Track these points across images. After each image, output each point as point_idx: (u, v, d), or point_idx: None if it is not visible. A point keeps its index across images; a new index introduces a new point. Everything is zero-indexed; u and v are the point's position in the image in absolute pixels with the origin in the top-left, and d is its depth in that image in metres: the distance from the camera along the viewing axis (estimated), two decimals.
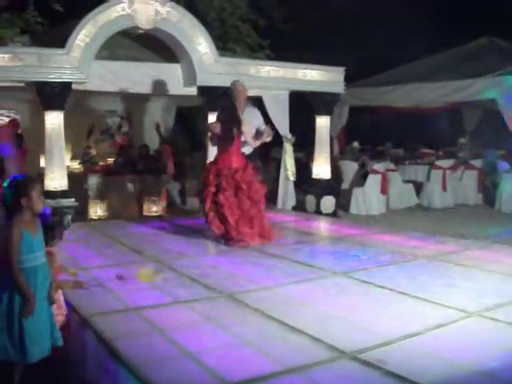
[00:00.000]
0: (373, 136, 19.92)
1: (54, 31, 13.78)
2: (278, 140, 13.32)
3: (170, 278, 7.56)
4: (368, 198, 14.77)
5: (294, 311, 6.42)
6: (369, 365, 4.98)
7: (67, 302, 6.16)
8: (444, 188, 15.82)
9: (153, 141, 16.42)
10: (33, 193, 5.10)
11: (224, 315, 6.18)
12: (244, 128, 9.69)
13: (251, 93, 13.40)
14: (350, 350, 5.28)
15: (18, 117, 14.57)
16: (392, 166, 16.13)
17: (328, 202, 13.99)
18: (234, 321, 6.14)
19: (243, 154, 10.02)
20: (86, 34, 11.01)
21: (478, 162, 16.71)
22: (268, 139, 9.93)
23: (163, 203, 13.32)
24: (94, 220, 12.48)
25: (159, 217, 12.82)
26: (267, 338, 5.66)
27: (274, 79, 13.49)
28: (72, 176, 12.37)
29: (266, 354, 5.26)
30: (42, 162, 12.49)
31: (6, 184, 5.13)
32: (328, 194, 14.06)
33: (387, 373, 4.83)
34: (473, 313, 6.32)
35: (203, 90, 12.65)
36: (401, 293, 7.07)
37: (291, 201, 14.54)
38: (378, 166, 15.24)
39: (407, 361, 5.08)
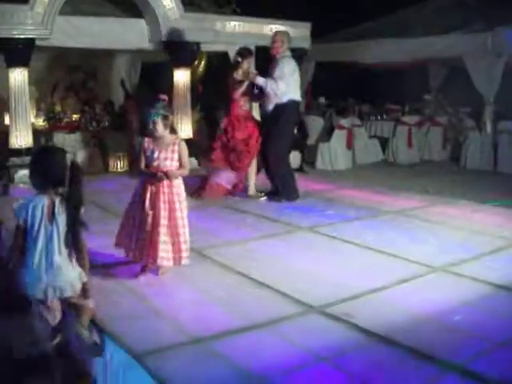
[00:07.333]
0: (339, 92, 19.87)
1: None
2: None
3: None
4: (334, 154, 14.78)
5: (261, 266, 6.48)
6: (335, 319, 5.06)
7: None
8: (409, 144, 15.88)
9: (118, 97, 16.27)
10: None
11: (191, 271, 6.21)
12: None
13: (217, 48, 13.34)
14: (317, 304, 5.36)
15: None
16: (358, 121, 16.15)
17: (294, 158, 13.97)
18: (202, 276, 6.19)
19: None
20: None
21: (443, 119, 16.78)
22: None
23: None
24: None
25: (125, 173, 12.74)
26: (234, 294, 5.71)
27: (240, 34, 13.41)
28: (37, 133, 12.25)
29: (233, 309, 5.32)
30: (7, 120, 12.34)
31: None
32: (294, 149, 14.05)
33: (353, 326, 4.91)
34: (437, 268, 6.42)
35: (168, 46, 12.53)
36: (367, 248, 7.15)
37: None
38: (344, 122, 15.25)
39: (373, 315, 5.17)
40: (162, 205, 5.94)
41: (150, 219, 5.96)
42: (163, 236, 5.92)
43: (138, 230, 6.05)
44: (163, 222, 5.94)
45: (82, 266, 4.69)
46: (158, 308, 5.34)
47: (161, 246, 5.90)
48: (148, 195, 5.98)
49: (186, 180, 6.27)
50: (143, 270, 6.17)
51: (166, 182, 5.97)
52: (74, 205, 4.52)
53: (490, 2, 15.82)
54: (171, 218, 5.99)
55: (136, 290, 5.80)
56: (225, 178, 10.05)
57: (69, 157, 4.68)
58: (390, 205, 9.58)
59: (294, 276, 6.20)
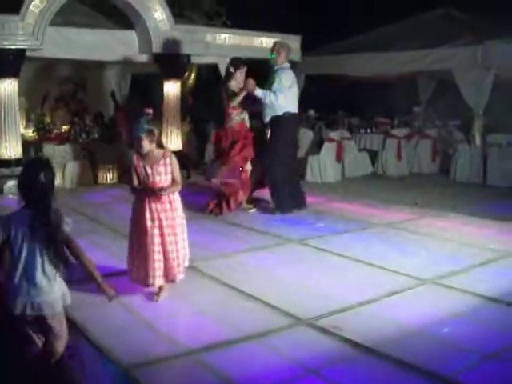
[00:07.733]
0: (329, 104, 19.92)
1: None
2: None
3: (125, 247, 7.52)
4: (323, 166, 14.79)
5: (251, 279, 6.48)
6: (325, 331, 5.06)
7: None
8: (399, 157, 15.91)
9: (108, 108, 16.28)
10: None
11: (181, 283, 6.18)
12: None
13: (207, 60, 13.36)
14: (306, 316, 5.36)
15: None
16: (347, 134, 16.17)
17: None
18: (192, 289, 6.17)
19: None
20: None
21: (432, 132, 16.82)
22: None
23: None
24: None
25: (114, 185, 12.72)
26: (224, 306, 5.72)
27: (230, 47, 13.44)
28: (26, 144, 12.23)
29: (223, 321, 5.32)
30: None
31: None
32: None
33: (342, 338, 4.91)
34: (427, 280, 6.43)
35: (159, 57, 12.56)
36: (356, 260, 7.16)
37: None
38: (334, 134, 15.27)
39: (362, 327, 5.18)
40: (164, 222, 5.89)
41: (157, 239, 5.88)
42: (173, 253, 5.90)
43: (138, 249, 6.02)
44: (170, 239, 5.90)
45: (92, 278, 4.68)
46: (149, 320, 5.33)
47: (172, 263, 5.89)
48: (148, 214, 5.89)
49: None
50: (160, 290, 6.11)
51: (167, 200, 5.89)
52: (50, 221, 4.46)
53: (477, 16, 15.94)
54: (173, 234, 5.94)
55: (127, 302, 5.78)
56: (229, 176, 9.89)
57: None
58: (379, 217, 9.59)
59: (283, 288, 6.20)
